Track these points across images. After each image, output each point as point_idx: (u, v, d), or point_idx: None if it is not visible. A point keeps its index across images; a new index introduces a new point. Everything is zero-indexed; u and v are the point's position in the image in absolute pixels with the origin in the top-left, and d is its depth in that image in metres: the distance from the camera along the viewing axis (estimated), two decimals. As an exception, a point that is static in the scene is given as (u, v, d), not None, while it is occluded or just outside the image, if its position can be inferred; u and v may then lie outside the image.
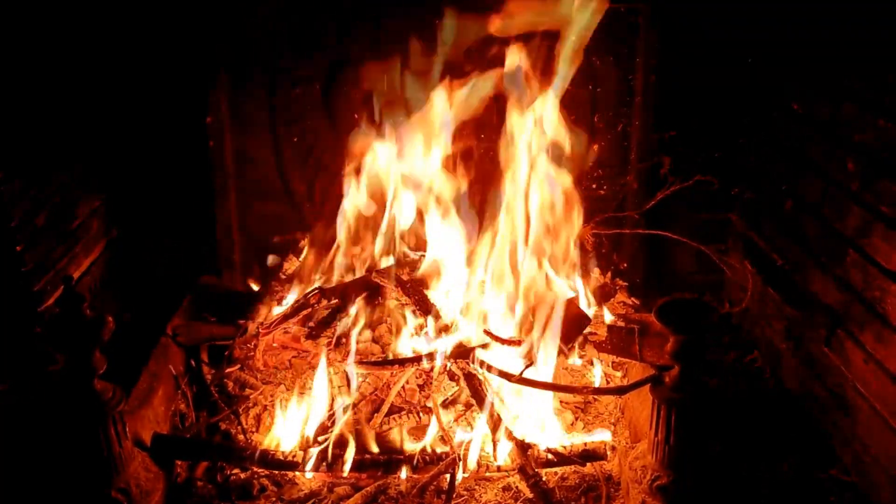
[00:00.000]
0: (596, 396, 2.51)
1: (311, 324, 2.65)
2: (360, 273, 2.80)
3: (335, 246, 2.86)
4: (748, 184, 2.85)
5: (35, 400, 2.20)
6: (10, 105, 2.21)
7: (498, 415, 2.25)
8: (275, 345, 2.59)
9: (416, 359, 2.38)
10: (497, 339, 2.41)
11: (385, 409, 2.34)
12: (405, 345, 2.53)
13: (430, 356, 2.36)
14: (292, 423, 2.32)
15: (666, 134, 2.82)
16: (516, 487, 2.18)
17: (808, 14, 2.39)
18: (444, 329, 2.53)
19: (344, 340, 2.51)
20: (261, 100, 2.88)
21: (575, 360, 2.52)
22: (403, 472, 2.16)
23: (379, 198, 2.84)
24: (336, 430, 2.23)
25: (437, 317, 2.56)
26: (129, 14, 2.63)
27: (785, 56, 2.56)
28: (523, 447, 2.19)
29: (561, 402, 2.48)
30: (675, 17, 2.69)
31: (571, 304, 2.49)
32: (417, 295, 2.64)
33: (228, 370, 2.56)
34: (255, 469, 2.20)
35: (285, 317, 2.62)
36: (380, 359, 2.49)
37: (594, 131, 2.94)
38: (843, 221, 2.22)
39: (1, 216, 2.17)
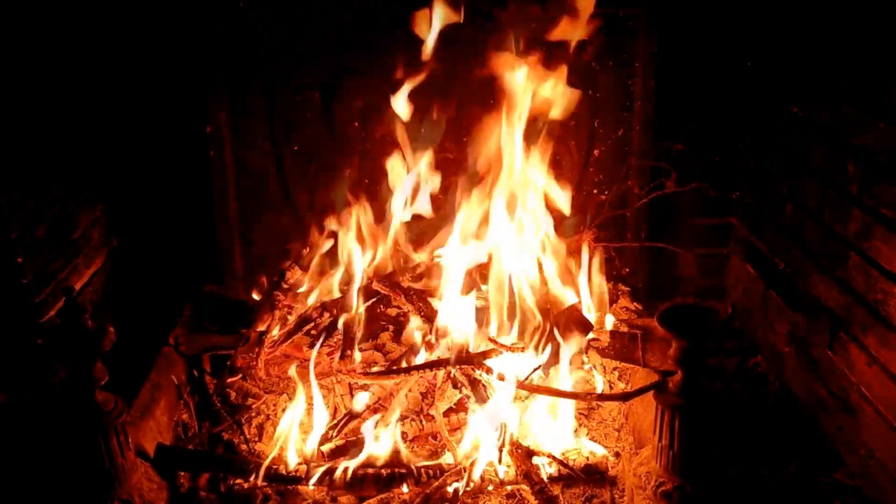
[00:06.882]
0: (600, 402, 2.50)
1: (314, 332, 2.64)
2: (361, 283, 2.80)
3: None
4: (749, 187, 2.85)
5: (36, 411, 2.20)
6: (9, 115, 2.21)
7: (503, 422, 2.24)
8: (277, 353, 2.59)
9: (432, 364, 2.35)
10: (501, 345, 2.40)
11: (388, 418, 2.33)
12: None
13: (438, 363, 2.35)
14: (295, 434, 2.31)
15: (666, 140, 2.83)
16: (520, 494, 2.17)
17: (806, 16, 2.39)
18: (448, 336, 2.52)
19: (349, 352, 2.50)
20: (260, 109, 2.88)
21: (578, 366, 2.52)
22: (405, 487, 2.15)
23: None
24: (336, 441, 2.22)
25: (441, 323, 2.55)
26: (129, 22, 2.65)
27: (784, 59, 2.56)
28: (528, 454, 2.18)
29: (564, 408, 2.48)
30: (673, 21, 2.70)
31: (574, 310, 2.49)
32: (420, 302, 2.63)
33: (231, 380, 2.55)
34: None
35: (289, 333, 2.61)
36: (382, 367, 2.48)
37: (594, 136, 2.93)
38: (845, 224, 2.22)
39: (0, 227, 2.17)
